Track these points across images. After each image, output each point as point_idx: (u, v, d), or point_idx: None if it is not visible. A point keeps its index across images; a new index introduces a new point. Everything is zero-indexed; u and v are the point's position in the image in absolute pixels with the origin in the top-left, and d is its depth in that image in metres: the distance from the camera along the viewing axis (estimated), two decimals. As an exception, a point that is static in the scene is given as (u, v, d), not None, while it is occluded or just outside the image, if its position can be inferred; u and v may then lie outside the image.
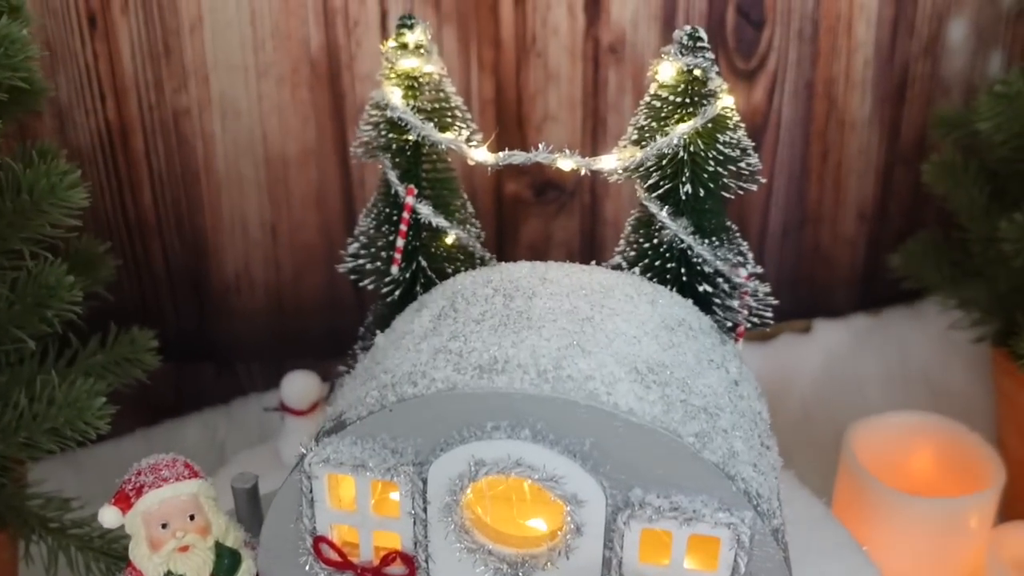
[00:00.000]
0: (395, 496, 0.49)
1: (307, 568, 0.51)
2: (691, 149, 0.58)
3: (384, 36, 0.89)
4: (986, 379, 0.97)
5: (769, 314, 0.62)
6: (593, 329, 0.50)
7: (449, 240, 0.66)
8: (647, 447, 0.45)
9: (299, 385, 0.75)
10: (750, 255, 0.63)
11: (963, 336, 0.94)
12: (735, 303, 0.61)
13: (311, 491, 0.49)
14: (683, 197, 0.58)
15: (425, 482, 0.48)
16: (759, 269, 0.63)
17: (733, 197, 0.59)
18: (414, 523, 0.49)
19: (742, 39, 0.94)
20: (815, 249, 1.03)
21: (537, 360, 0.47)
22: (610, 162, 0.59)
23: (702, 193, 0.58)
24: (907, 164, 1.01)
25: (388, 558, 0.50)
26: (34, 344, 0.64)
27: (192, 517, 0.51)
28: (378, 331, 0.68)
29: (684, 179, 0.58)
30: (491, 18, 0.90)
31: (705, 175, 0.58)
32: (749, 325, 0.62)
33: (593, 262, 0.59)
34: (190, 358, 0.97)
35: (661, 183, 0.59)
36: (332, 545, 0.50)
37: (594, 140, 0.96)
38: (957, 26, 0.96)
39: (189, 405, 0.97)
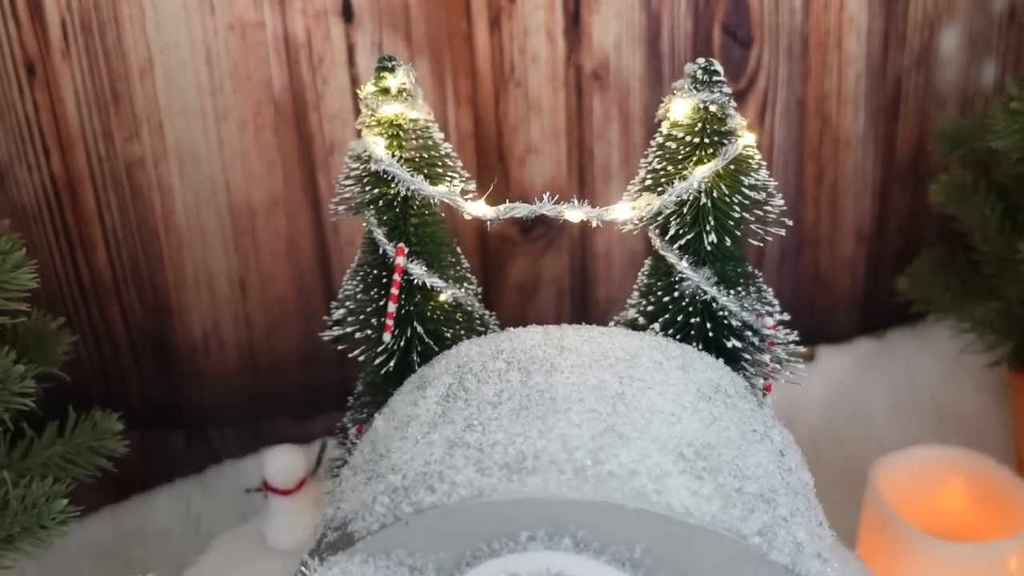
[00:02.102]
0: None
1: None
2: (714, 194, 0.52)
3: (352, 71, 0.83)
4: (998, 402, 0.93)
5: (801, 366, 0.57)
6: (627, 408, 0.44)
7: (443, 297, 0.60)
8: (707, 551, 0.39)
9: (283, 462, 0.68)
10: (776, 302, 0.58)
11: (972, 358, 0.90)
12: (766, 357, 0.55)
13: (316, 616, 0.42)
14: (707, 247, 0.53)
15: (450, 601, 0.41)
16: (786, 316, 0.58)
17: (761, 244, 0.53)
18: (438, 647, 0.42)
19: (730, 59, 0.89)
20: (814, 272, 0.99)
21: (571, 453, 0.41)
22: (624, 211, 0.54)
23: (728, 242, 0.53)
24: (903, 180, 0.97)
25: None
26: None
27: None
28: (369, 400, 0.62)
29: (708, 228, 0.52)
30: (466, 47, 0.84)
31: (731, 222, 0.53)
32: (782, 380, 0.57)
33: (612, 323, 0.54)
34: (158, 426, 0.89)
35: (681, 232, 0.54)
36: (343, 674, 0.43)
37: (580, 171, 0.91)
38: (949, 36, 0.92)
39: (159, 477, 0.89)
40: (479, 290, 0.63)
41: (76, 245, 0.83)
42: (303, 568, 0.42)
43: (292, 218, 0.86)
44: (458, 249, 0.62)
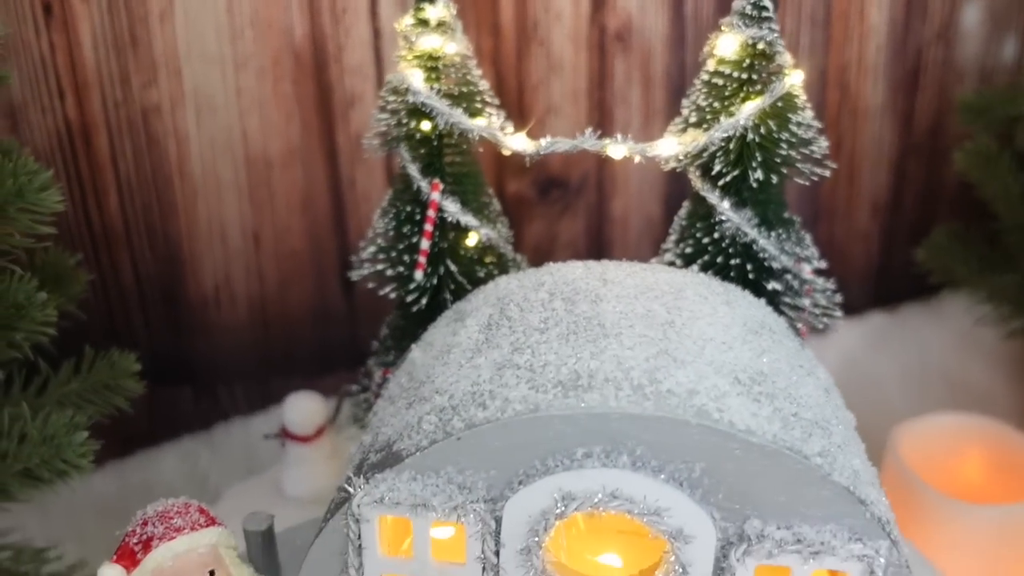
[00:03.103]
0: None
1: (352, 627, 0.43)
2: (761, 131, 0.52)
3: (375, 23, 0.82)
4: (1009, 376, 0.93)
5: (838, 314, 0.57)
6: (678, 335, 0.43)
7: (472, 242, 0.59)
8: (767, 471, 0.38)
9: (303, 408, 0.67)
10: (814, 249, 0.57)
11: (984, 333, 0.90)
12: (805, 302, 0.55)
13: (359, 537, 0.41)
14: (753, 184, 0.52)
15: (499, 521, 0.40)
16: (824, 264, 0.57)
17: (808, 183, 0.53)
18: (483, 570, 0.41)
19: (753, 24, 0.88)
20: (829, 244, 0.98)
21: (627, 373, 0.40)
22: (669, 147, 0.53)
23: (774, 180, 0.52)
24: (920, 154, 0.97)
25: (451, 611, 0.42)
26: (2, 374, 0.55)
27: (211, 573, 0.43)
28: (395, 344, 0.61)
29: (754, 164, 0.52)
30: (489, 3, 0.83)
31: (778, 159, 0.52)
32: (820, 326, 0.56)
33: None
34: (165, 381, 0.88)
35: (725, 171, 0.53)
36: (383, 599, 0.42)
37: (600, 134, 0.90)
38: (971, 10, 0.92)
39: (165, 433, 0.88)
40: (511, 233, 0.62)
41: (88, 191, 0.81)
42: (347, 486, 0.41)
43: (308, 170, 0.84)
44: (490, 191, 0.61)
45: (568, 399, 0.39)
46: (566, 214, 0.92)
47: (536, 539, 0.40)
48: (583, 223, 0.92)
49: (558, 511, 0.39)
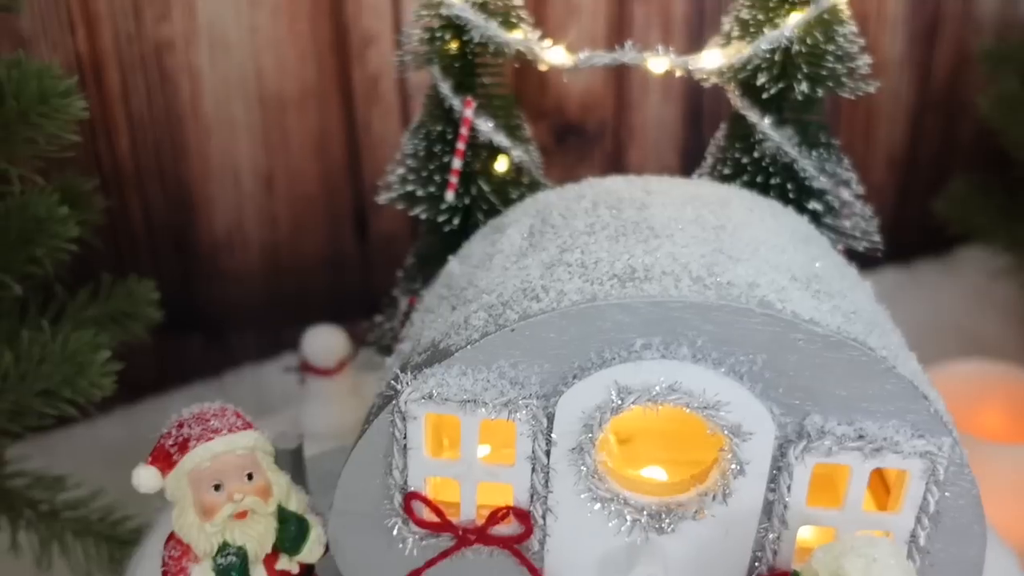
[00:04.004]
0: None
1: (394, 532, 0.42)
2: (807, 42, 0.51)
3: (394, -40, 0.80)
4: (1023, 330, 0.93)
5: (877, 238, 0.56)
6: (730, 237, 0.42)
7: (503, 166, 0.57)
8: (830, 364, 0.37)
9: (325, 340, 0.65)
10: (853, 173, 0.56)
11: (998, 288, 0.90)
12: (846, 223, 0.54)
13: (405, 436, 0.40)
14: (798, 97, 0.51)
15: (551, 419, 0.39)
16: (862, 189, 0.56)
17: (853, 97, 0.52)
18: (533, 470, 0.40)
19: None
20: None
21: (685, 267, 0.39)
22: (713, 59, 0.52)
23: (819, 93, 0.51)
24: (937, 108, 0.96)
25: (498, 515, 0.41)
26: (20, 289, 0.53)
27: (250, 476, 0.42)
28: (421, 272, 0.60)
29: (799, 76, 0.51)
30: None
31: (823, 72, 0.51)
32: (860, 248, 0.55)
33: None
34: (175, 327, 0.86)
35: (768, 85, 0.52)
36: (428, 502, 0.41)
37: (618, 81, 0.89)
38: (990, -38, 0.92)
39: (175, 380, 0.86)
40: (540, 160, 0.60)
41: (98, 129, 0.79)
42: (394, 382, 0.40)
43: (323, 112, 0.83)
44: (521, 114, 0.60)
45: (626, 289, 0.38)
46: (583, 162, 0.91)
47: (589, 436, 0.39)
48: (599, 172, 0.91)
49: (614, 405, 0.38)
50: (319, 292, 0.89)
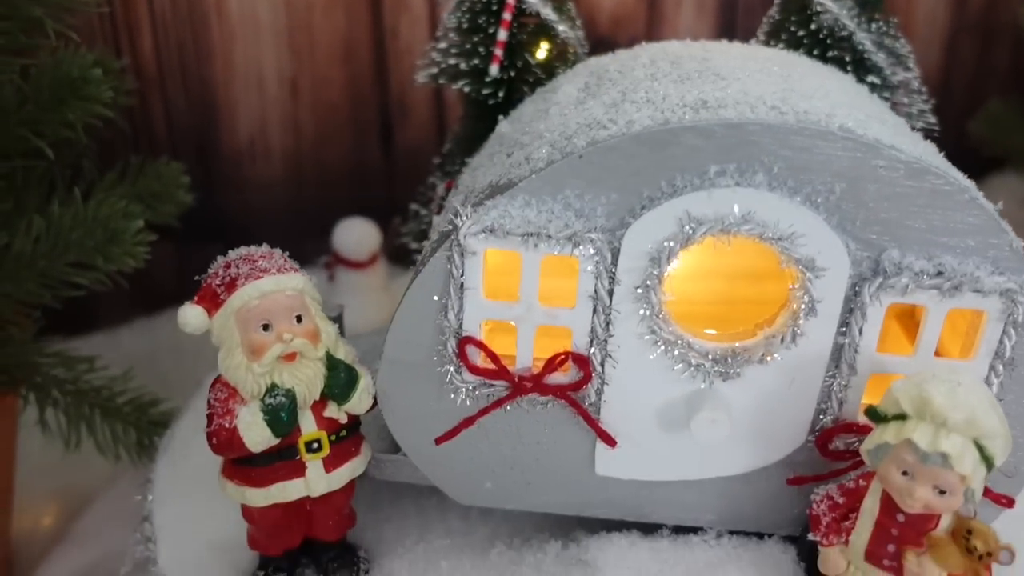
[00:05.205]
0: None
1: (447, 381, 0.41)
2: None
3: None
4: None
5: (932, 119, 0.54)
6: (798, 83, 0.41)
7: (543, 52, 0.56)
8: (911, 194, 0.36)
9: (358, 232, 0.64)
10: (911, 55, 0.55)
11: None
12: (904, 99, 0.52)
13: (463, 274, 0.39)
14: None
15: (616, 255, 0.38)
16: (917, 72, 0.55)
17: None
18: (594, 311, 0.39)
19: None
20: (876, 124, 0.96)
21: (758, 99, 0.37)
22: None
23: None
24: (972, 33, 0.94)
25: (556, 361, 0.40)
26: (52, 154, 0.52)
27: (299, 320, 0.40)
28: (458, 156, 0.58)
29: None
30: None
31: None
32: (916, 127, 0.54)
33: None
34: (195, 237, 0.84)
35: (828, -50, 0.50)
36: (483, 347, 0.40)
37: (650, 10, 0.87)
38: None
39: (195, 291, 0.84)
40: (585, 44, 0.59)
41: (120, 27, 0.77)
42: (453, 216, 0.38)
43: (352, 16, 0.81)
44: (569, -7, 0.58)
45: (700, 114, 0.36)
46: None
47: (656, 272, 0.37)
48: (629, 89, 0.90)
49: (685, 235, 0.36)
50: (342, 203, 0.87)
